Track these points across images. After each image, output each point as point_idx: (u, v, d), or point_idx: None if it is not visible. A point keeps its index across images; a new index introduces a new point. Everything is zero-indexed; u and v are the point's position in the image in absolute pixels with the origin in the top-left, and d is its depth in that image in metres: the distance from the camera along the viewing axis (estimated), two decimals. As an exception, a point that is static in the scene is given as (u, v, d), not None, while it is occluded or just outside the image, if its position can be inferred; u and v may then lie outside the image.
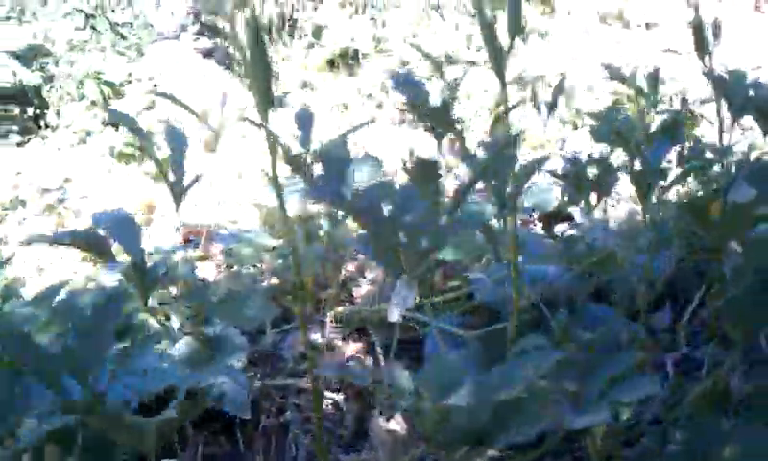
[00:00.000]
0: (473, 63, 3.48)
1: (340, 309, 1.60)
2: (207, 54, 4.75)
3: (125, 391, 1.14)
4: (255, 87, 0.90)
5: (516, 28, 0.97)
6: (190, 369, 1.36)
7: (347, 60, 3.75)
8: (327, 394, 1.41)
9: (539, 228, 2.03)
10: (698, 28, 1.35)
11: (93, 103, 3.00)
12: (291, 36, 4.17)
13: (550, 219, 1.98)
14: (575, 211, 1.85)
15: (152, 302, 1.55)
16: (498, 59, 0.95)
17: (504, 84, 1.02)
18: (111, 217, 1.18)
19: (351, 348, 1.54)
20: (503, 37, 0.97)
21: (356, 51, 3.72)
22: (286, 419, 1.39)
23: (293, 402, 1.42)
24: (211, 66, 4.46)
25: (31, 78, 3.21)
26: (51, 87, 3.30)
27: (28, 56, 3.36)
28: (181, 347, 1.39)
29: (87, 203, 2.40)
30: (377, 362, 1.49)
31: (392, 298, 1.47)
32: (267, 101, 0.87)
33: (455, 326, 1.36)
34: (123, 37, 4.43)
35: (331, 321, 1.60)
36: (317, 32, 3.96)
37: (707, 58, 1.37)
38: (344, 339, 1.56)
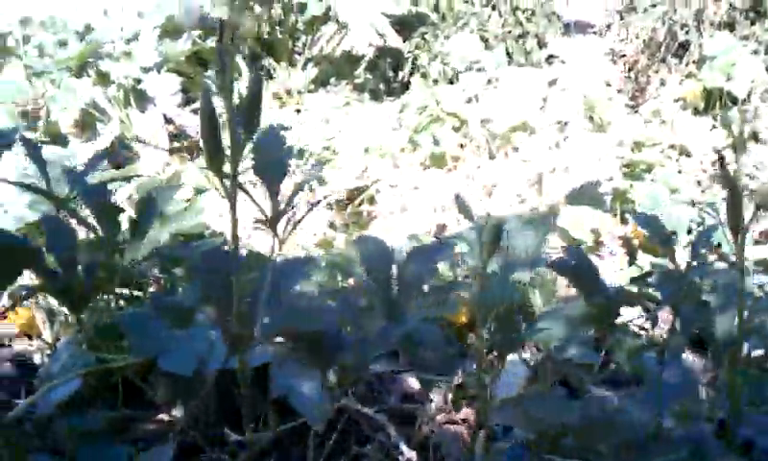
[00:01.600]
0: None
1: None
2: (619, 58, 4.46)
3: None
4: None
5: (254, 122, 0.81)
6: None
7: (720, 100, 3.32)
8: (406, 449, 1.36)
9: None
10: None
11: (435, 82, 3.16)
12: (678, 57, 3.81)
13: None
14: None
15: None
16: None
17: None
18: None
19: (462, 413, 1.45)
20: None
21: (730, 93, 3.27)
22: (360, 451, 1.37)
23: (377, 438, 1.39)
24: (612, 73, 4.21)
25: (400, 45, 3.48)
26: (418, 56, 3.53)
27: (408, 22, 3.63)
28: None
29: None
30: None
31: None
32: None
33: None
34: (521, 24, 4.48)
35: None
36: (701, 61, 3.55)
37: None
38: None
